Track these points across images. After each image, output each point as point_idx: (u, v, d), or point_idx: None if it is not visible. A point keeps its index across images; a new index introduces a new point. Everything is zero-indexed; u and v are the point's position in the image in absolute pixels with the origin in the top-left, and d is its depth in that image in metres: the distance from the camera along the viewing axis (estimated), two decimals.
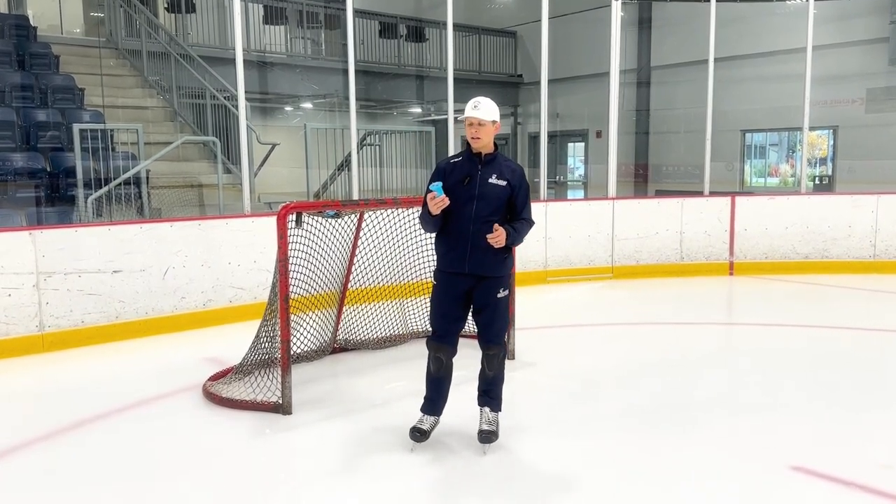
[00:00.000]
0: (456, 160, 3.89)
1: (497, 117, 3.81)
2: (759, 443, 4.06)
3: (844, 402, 4.77)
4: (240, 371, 4.97)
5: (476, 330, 4.00)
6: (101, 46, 11.37)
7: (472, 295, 3.90)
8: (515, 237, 3.82)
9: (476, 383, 4.06)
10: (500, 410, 4.06)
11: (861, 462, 3.81)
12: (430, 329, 4.02)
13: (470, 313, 4.00)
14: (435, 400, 4.01)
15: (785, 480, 3.62)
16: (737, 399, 4.84)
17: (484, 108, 3.77)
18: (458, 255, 3.81)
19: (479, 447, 3.94)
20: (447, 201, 3.69)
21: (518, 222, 3.86)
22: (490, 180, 3.79)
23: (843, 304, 7.96)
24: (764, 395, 4.90)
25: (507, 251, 3.89)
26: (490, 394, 4.02)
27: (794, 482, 3.61)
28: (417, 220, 4.13)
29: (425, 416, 4.00)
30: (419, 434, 3.92)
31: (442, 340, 3.91)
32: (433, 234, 3.97)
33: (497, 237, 3.69)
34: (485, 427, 3.95)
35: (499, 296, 3.88)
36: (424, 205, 3.82)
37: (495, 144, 3.87)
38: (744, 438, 4.14)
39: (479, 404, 4.04)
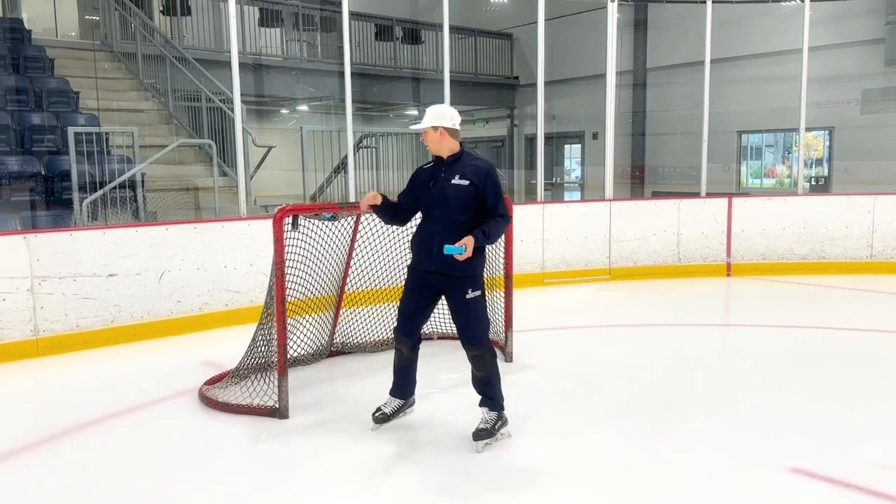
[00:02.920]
0: (427, 165, 4.12)
1: (441, 123, 3.97)
2: (757, 444, 4.05)
3: (843, 404, 4.76)
4: (236, 375, 4.94)
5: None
6: (96, 49, 11.34)
7: (444, 295, 4.04)
8: (485, 240, 3.91)
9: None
10: (502, 409, 4.10)
11: (860, 463, 3.80)
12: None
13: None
14: (399, 385, 4.31)
15: (784, 482, 3.61)
16: (735, 401, 4.82)
17: (424, 119, 4.00)
18: (425, 253, 3.96)
19: (478, 448, 3.96)
20: (376, 200, 4.05)
21: (491, 221, 3.93)
22: (452, 181, 3.93)
23: (841, 304, 7.96)
24: (762, 397, 4.88)
25: (476, 250, 3.95)
26: (486, 394, 4.08)
27: (793, 484, 3.60)
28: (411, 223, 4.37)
29: (391, 398, 4.31)
30: (378, 413, 4.24)
31: (400, 332, 4.14)
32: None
33: (465, 256, 3.78)
34: (480, 426, 4.03)
35: (468, 297, 3.95)
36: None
37: (461, 145, 4.04)
38: (742, 440, 4.13)
39: (480, 405, 4.11)
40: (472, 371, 4.05)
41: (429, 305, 4.11)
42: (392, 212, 4.17)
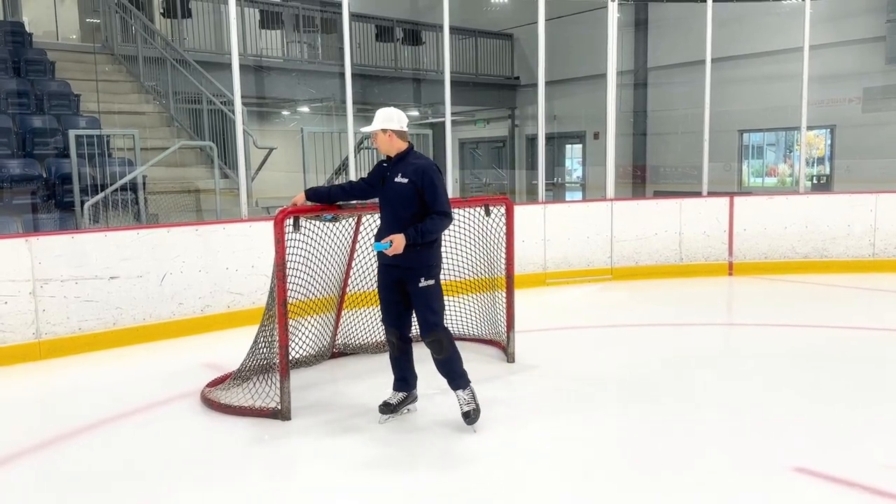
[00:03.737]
0: (384, 163, 4.34)
1: (390, 126, 4.21)
2: (760, 444, 4.04)
3: (846, 403, 4.75)
4: (238, 377, 4.94)
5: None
6: (97, 52, 11.34)
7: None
8: (417, 237, 4.07)
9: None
10: (469, 381, 4.30)
11: (863, 462, 3.79)
12: None
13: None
14: (397, 378, 4.49)
15: (787, 482, 3.60)
16: (738, 400, 4.81)
17: (374, 122, 4.23)
18: None
19: (475, 429, 4.14)
20: (300, 200, 4.46)
21: (427, 219, 4.11)
22: (396, 179, 4.18)
23: (843, 303, 7.94)
24: (765, 396, 4.87)
25: (421, 244, 4.12)
26: (451, 376, 4.28)
27: (796, 483, 3.59)
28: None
29: (394, 392, 4.48)
30: (383, 406, 4.42)
31: (385, 323, 4.42)
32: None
33: (393, 250, 4.00)
34: (464, 408, 4.23)
35: (421, 285, 4.16)
36: None
37: (410, 144, 4.30)
38: (745, 440, 4.12)
39: (452, 389, 4.29)
40: (433, 357, 4.24)
41: (400, 294, 4.29)
42: (328, 198, 4.48)
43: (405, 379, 4.49)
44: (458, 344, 4.24)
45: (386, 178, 4.24)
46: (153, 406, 4.84)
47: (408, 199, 4.13)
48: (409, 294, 4.23)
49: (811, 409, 4.65)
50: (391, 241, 4.00)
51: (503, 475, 3.75)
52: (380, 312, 5.55)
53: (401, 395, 4.48)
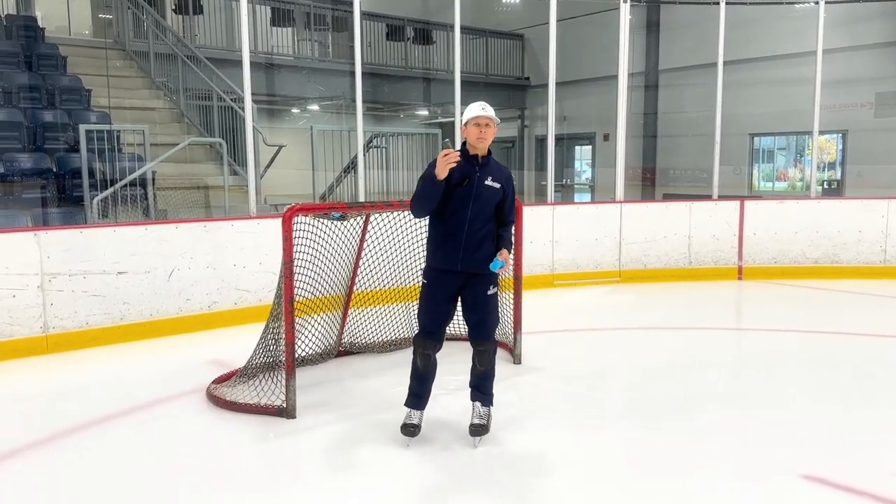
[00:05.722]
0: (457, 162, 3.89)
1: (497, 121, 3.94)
2: (768, 450, 4.01)
3: (855, 409, 4.71)
4: (244, 374, 4.93)
5: (466, 330, 4.09)
6: (109, 48, 11.38)
7: (461, 293, 3.99)
8: (511, 246, 4.08)
9: None
10: (492, 405, 4.17)
11: (872, 470, 3.75)
12: (418, 326, 4.08)
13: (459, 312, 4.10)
14: (421, 395, 4.10)
15: (795, 489, 3.57)
16: (746, 406, 4.78)
17: (490, 109, 3.88)
18: (450, 252, 3.89)
19: (475, 443, 4.03)
20: (458, 156, 3.73)
21: (507, 228, 4.03)
22: (486, 182, 3.90)
23: (854, 309, 7.89)
24: (773, 402, 4.84)
25: (496, 249, 3.96)
26: (481, 389, 4.13)
27: (804, 490, 3.56)
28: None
29: (413, 411, 4.08)
30: (412, 429, 4.03)
31: (431, 337, 3.99)
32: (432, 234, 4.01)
33: (508, 268, 3.93)
34: (476, 421, 4.08)
35: (488, 293, 3.99)
36: (422, 181, 3.82)
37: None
38: (753, 446, 4.08)
39: (472, 399, 4.14)
40: (475, 365, 4.09)
41: (453, 306, 4.04)
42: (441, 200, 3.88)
43: (426, 397, 4.14)
44: (463, 344, 4.19)
45: (474, 178, 3.86)
46: (158, 402, 4.84)
47: (495, 203, 3.93)
48: (472, 300, 3.95)
49: (819, 415, 4.61)
50: (505, 260, 3.86)
51: (507, 476, 3.73)
52: (385, 313, 5.50)
53: (420, 413, 4.10)
